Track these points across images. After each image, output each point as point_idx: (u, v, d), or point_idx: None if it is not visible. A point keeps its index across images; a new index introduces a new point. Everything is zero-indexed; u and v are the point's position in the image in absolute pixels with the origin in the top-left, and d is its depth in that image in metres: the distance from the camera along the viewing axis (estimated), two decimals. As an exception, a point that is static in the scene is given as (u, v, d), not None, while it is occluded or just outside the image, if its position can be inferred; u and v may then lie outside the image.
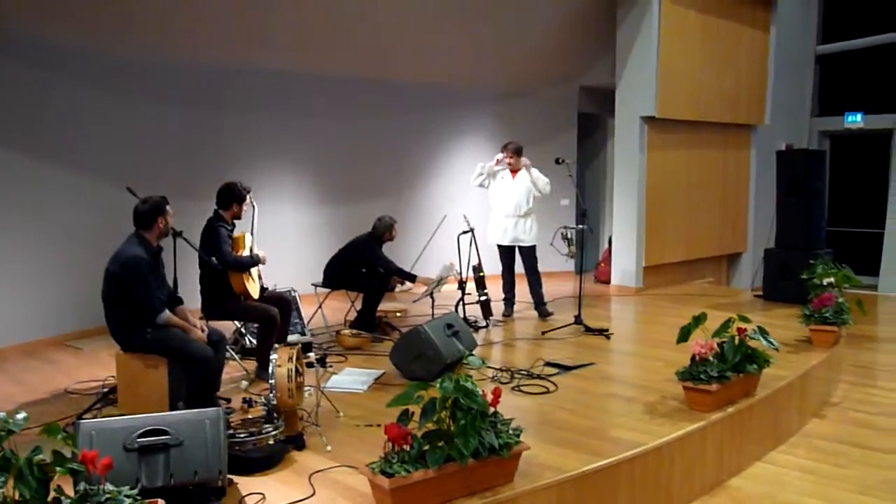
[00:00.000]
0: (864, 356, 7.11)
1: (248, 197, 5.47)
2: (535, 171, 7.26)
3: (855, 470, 4.45)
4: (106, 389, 4.77)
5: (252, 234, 5.74)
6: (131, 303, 4.29)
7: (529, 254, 7.40)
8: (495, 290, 7.45)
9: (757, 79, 10.32)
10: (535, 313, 7.46)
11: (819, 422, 5.36)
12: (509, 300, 7.54)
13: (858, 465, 4.53)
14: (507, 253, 7.45)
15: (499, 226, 7.38)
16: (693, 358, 4.47)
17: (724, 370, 4.40)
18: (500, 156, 7.27)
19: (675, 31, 8.90)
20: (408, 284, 6.99)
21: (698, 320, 4.53)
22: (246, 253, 5.38)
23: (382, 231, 6.87)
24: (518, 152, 7.23)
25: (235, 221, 5.42)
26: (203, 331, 4.49)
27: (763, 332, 4.65)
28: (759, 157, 10.69)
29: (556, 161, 7.19)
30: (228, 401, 4.74)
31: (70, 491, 2.53)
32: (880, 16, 11.44)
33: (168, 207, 4.50)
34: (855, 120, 11.55)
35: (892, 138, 11.19)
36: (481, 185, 7.42)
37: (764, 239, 10.34)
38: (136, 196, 4.91)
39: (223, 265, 5.15)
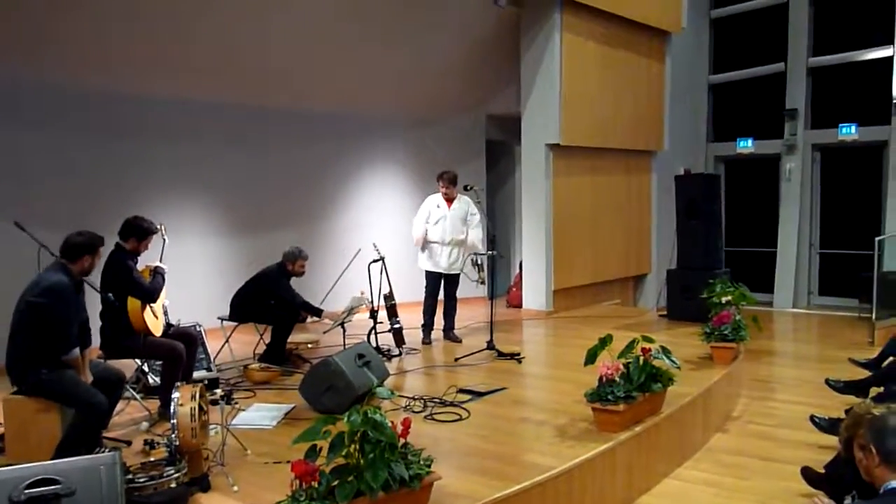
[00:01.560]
0: (761, 370, 7.42)
1: (154, 235, 5.26)
2: (476, 220, 7.42)
3: (756, 481, 4.61)
4: (-8, 438, 4.47)
5: (157, 267, 5.51)
6: (44, 334, 4.03)
7: (455, 280, 7.48)
8: (407, 319, 7.43)
9: (655, 107, 10.77)
10: (443, 340, 7.48)
11: (722, 436, 5.55)
12: (429, 326, 7.50)
13: (759, 476, 4.70)
14: (436, 279, 7.45)
15: (433, 253, 7.38)
16: (600, 379, 4.55)
17: (631, 390, 4.50)
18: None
19: (576, 61, 9.20)
20: (330, 312, 6.85)
21: (604, 342, 4.62)
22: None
23: (287, 261, 6.75)
24: (453, 181, 7.31)
25: (137, 258, 5.21)
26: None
27: (665, 351, 4.78)
28: (660, 181, 11.11)
29: (465, 188, 7.28)
30: (129, 443, 4.53)
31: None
32: (766, 48, 12.17)
33: (101, 249, 4.31)
34: (746, 145, 12.20)
35: (780, 162, 11.85)
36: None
37: (667, 260, 10.70)
38: (24, 231, 4.68)
39: (144, 295, 4.93)
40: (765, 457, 5.03)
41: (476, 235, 7.40)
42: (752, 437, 5.48)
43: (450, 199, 7.38)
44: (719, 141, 12.94)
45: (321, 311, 6.71)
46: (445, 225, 7.33)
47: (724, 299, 6.77)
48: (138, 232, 5.09)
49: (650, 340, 4.73)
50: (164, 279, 5.19)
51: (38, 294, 4.06)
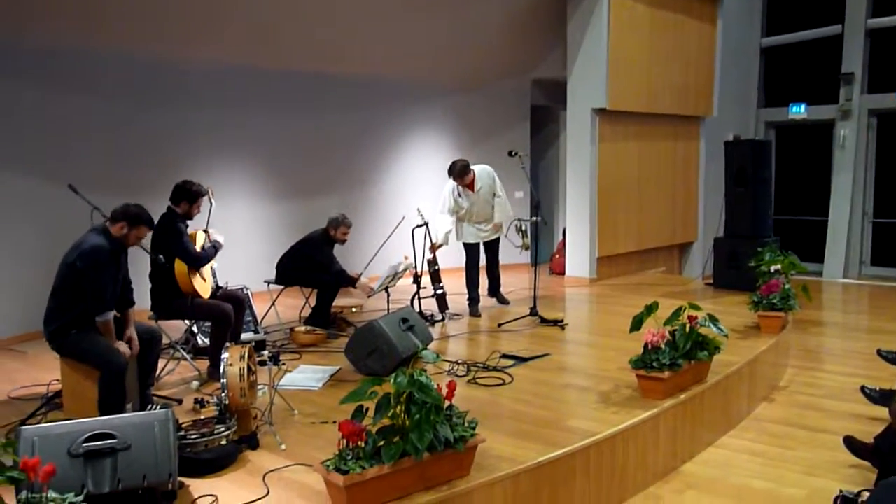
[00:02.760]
0: (810, 341, 7.29)
1: (205, 197, 5.37)
2: (502, 203, 7.35)
3: (802, 451, 4.55)
4: (51, 394, 4.63)
5: (206, 231, 5.63)
6: (78, 296, 4.14)
7: (495, 245, 7.50)
8: (450, 284, 7.44)
9: (705, 71, 10.50)
10: (491, 303, 7.49)
11: (768, 405, 5.48)
12: (475, 300, 7.36)
13: (805, 446, 4.64)
14: (475, 249, 7.39)
15: (469, 231, 7.35)
16: (645, 346, 4.52)
17: (676, 358, 4.46)
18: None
19: (625, 23, 9.00)
20: (364, 280, 6.88)
21: (650, 309, 4.58)
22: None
23: (331, 227, 6.79)
24: (463, 172, 7.09)
25: (189, 221, 5.33)
26: (129, 350, 4.31)
27: (713, 319, 4.72)
28: (708, 147, 10.89)
29: (510, 153, 7.20)
30: (180, 402, 4.66)
31: (12, 500, 2.45)
32: (822, 9, 11.74)
33: (142, 227, 4.32)
34: (799, 111, 11.82)
35: (834, 128, 11.50)
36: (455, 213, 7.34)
37: (713, 228, 10.52)
38: (78, 194, 4.79)
39: (186, 259, 5.04)
40: (811, 427, 4.96)
41: (503, 215, 7.34)
42: (798, 408, 5.40)
43: (470, 185, 7.22)
44: (770, 106, 12.58)
45: (355, 280, 6.71)
46: (475, 210, 7.28)
47: (773, 268, 6.63)
48: (189, 195, 5.19)
49: (697, 308, 4.68)
50: (216, 252, 5.31)
51: (76, 257, 4.15)
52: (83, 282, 4.12)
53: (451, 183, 7.24)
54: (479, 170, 7.29)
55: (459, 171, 7.10)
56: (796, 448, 4.62)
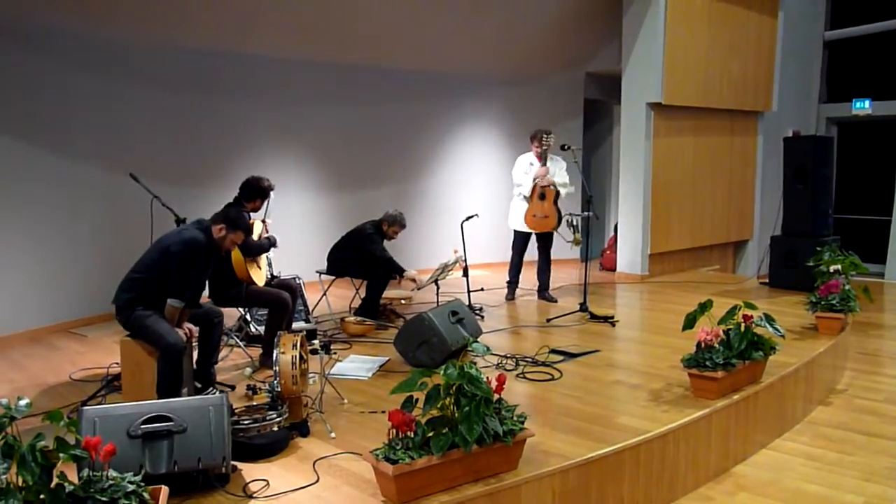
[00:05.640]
0: (870, 343, 7.08)
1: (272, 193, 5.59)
2: (561, 176, 7.38)
3: (860, 457, 4.43)
4: (110, 376, 4.78)
5: (263, 221, 5.74)
6: (161, 278, 4.29)
7: (548, 240, 7.51)
8: (494, 278, 7.45)
9: (764, 65, 10.24)
10: (537, 300, 7.48)
11: (824, 409, 5.34)
12: (514, 283, 7.64)
13: (863, 451, 4.51)
14: (524, 238, 7.51)
15: (521, 211, 7.41)
16: (699, 345, 4.45)
17: (730, 357, 4.38)
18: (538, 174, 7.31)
19: (682, 16, 8.83)
20: (413, 272, 6.92)
21: (704, 307, 4.50)
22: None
23: (385, 222, 6.83)
24: (543, 134, 7.31)
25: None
26: (189, 336, 4.41)
27: (769, 319, 4.63)
28: (766, 143, 10.63)
29: (562, 147, 7.16)
30: (233, 388, 4.75)
31: (74, 477, 2.53)
32: (889, 1, 11.33)
33: (239, 232, 4.49)
34: (863, 106, 11.45)
35: (901, 124, 11.11)
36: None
37: (770, 226, 10.26)
38: (139, 182, 4.92)
39: (245, 247, 5.16)
40: (870, 432, 4.82)
41: (563, 187, 7.42)
42: (856, 412, 5.25)
43: (541, 157, 7.36)
44: (833, 101, 12.22)
45: (403, 270, 6.74)
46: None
47: (832, 268, 6.44)
48: (263, 193, 5.39)
49: (752, 307, 4.58)
50: (270, 246, 5.47)
51: (174, 242, 4.33)
52: (170, 266, 4.28)
53: (526, 154, 7.46)
54: (553, 157, 7.45)
55: (539, 135, 7.30)
56: (854, 453, 4.49)
